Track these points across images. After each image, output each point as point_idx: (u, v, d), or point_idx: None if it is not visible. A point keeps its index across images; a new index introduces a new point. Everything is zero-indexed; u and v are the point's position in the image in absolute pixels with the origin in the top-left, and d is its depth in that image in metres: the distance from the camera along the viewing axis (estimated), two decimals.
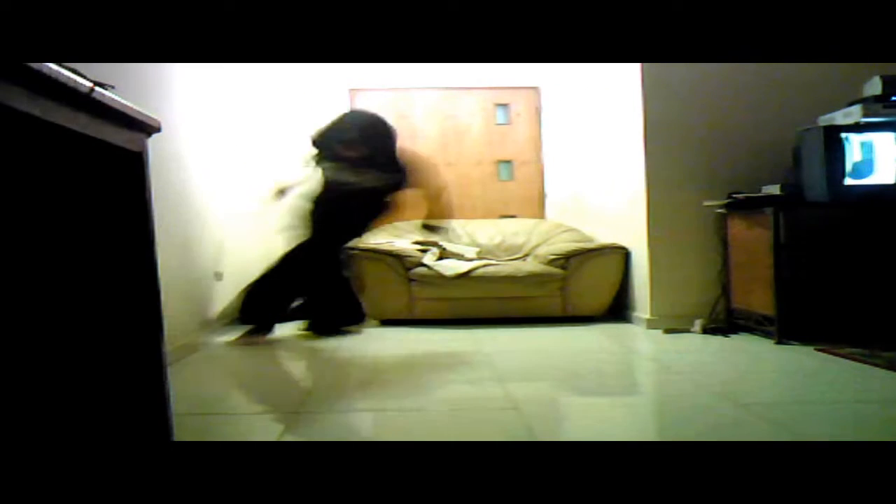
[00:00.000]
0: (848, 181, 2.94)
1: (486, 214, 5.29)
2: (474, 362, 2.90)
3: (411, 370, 2.79)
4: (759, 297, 3.23)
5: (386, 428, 2.01)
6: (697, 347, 3.12)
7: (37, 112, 1.00)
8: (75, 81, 1.08)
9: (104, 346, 1.44)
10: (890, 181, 2.94)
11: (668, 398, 2.28)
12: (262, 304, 3.63)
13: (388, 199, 3.70)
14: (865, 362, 2.62)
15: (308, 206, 3.69)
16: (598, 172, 4.41)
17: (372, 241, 4.41)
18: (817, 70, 3.52)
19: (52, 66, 1.02)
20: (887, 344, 2.88)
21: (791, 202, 3.08)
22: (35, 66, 0.97)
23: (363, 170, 3.56)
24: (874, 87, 3.02)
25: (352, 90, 5.28)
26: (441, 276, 3.98)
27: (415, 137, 5.29)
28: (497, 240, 4.76)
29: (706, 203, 3.52)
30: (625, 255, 3.97)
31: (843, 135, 2.95)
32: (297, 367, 2.97)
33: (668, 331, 3.51)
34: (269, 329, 3.63)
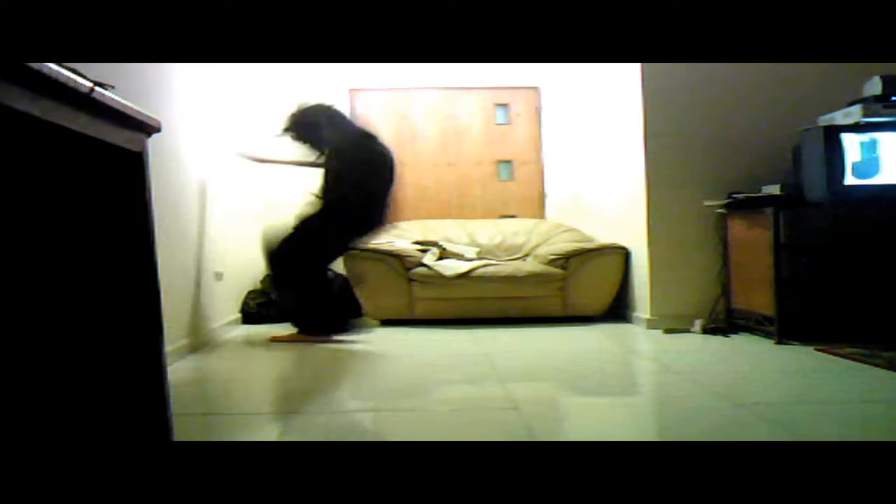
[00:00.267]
0: (848, 181, 2.94)
1: (486, 214, 5.29)
2: (474, 362, 2.90)
3: (411, 370, 2.79)
4: (759, 297, 3.23)
5: (386, 428, 2.01)
6: (697, 347, 3.11)
7: (37, 112, 1.00)
8: (75, 81, 1.08)
9: (104, 347, 1.44)
10: (889, 181, 2.95)
11: (668, 398, 2.28)
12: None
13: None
14: (865, 362, 2.62)
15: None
16: (599, 172, 4.41)
17: (372, 241, 4.41)
18: (817, 70, 3.52)
19: (52, 66, 1.02)
20: (887, 344, 2.88)
21: (791, 202, 3.08)
22: (35, 66, 0.97)
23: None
24: (874, 87, 3.02)
25: (352, 90, 5.27)
26: (441, 276, 3.98)
27: (415, 137, 5.29)
28: (497, 240, 4.76)
29: (706, 203, 3.52)
30: (625, 255, 3.97)
31: (843, 135, 2.95)
32: (290, 367, 2.96)
33: (668, 331, 3.51)
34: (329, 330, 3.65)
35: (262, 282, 4.63)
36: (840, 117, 3.10)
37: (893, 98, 2.97)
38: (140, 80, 2.79)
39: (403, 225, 4.87)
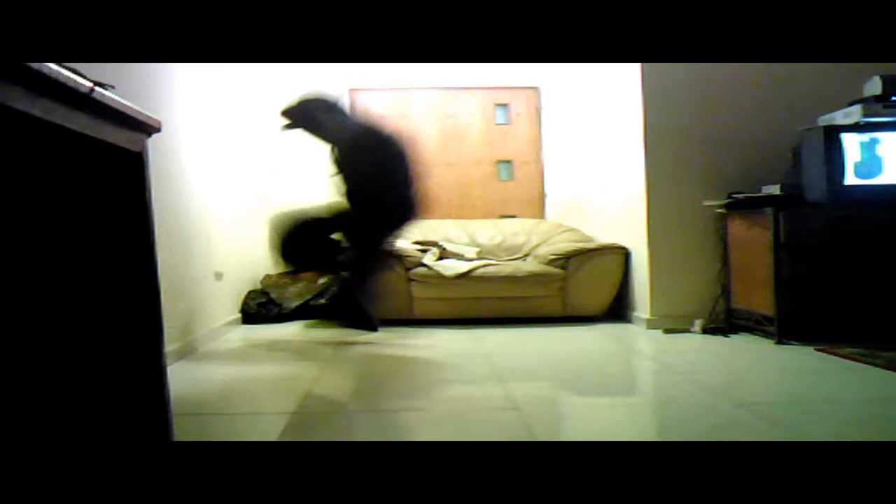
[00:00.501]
0: (848, 181, 2.94)
1: (486, 214, 5.29)
2: (474, 362, 2.90)
3: (411, 370, 2.79)
4: (759, 297, 3.23)
5: (385, 428, 2.01)
6: (697, 347, 3.11)
7: (37, 112, 1.00)
8: (75, 81, 1.08)
9: (104, 347, 1.44)
10: (890, 181, 2.94)
11: (668, 398, 2.28)
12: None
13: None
14: (865, 362, 2.62)
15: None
16: (599, 172, 4.41)
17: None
18: (817, 70, 3.52)
19: (52, 66, 1.02)
20: (887, 344, 2.88)
21: (791, 202, 3.08)
22: (35, 66, 0.97)
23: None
24: (874, 87, 3.02)
25: (352, 90, 5.27)
26: (441, 276, 3.98)
27: (415, 137, 5.28)
28: (497, 240, 4.76)
29: (706, 203, 3.52)
30: (625, 255, 3.97)
31: (843, 135, 2.95)
32: (294, 367, 2.96)
33: (668, 331, 3.51)
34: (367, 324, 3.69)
35: (261, 281, 4.63)
36: (840, 117, 3.10)
37: (893, 98, 2.97)
38: (140, 80, 2.79)
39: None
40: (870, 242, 3.14)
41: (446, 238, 4.68)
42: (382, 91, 5.30)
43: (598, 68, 4.26)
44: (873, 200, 2.98)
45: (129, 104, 1.31)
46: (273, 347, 3.42)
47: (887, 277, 3.12)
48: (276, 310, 4.32)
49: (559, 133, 5.16)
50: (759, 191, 3.26)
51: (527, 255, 4.60)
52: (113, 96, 1.23)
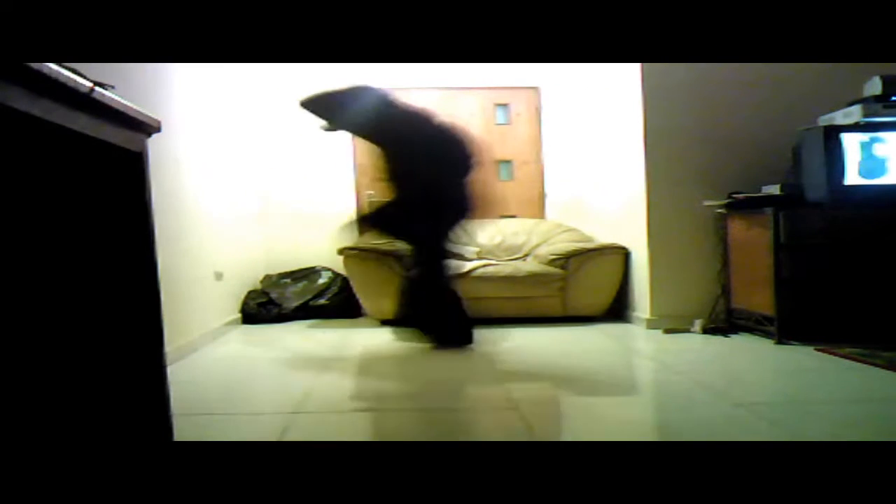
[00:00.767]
0: (848, 181, 2.94)
1: (486, 214, 5.28)
2: (474, 362, 2.90)
3: (411, 370, 2.79)
4: (758, 297, 3.23)
5: (385, 428, 2.01)
6: (697, 347, 3.11)
7: (37, 112, 1.00)
8: (75, 81, 1.08)
9: (104, 347, 1.44)
10: (890, 181, 2.94)
11: (668, 398, 2.28)
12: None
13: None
14: (865, 362, 2.62)
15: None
16: (599, 172, 4.41)
17: (372, 241, 4.41)
18: (817, 70, 3.52)
19: (52, 66, 1.02)
20: (887, 344, 2.88)
21: (791, 202, 3.08)
22: (35, 66, 0.97)
23: None
24: (874, 87, 3.02)
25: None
26: None
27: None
28: (497, 240, 4.76)
29: (706, 203, 3.51)
30: (625, 255, 3.97)
31: (843, 135, 2.95)
32: (291, 365, 2.96)
33: (668, 331, 3.51)
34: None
35: (261, 281, 4.63)
36: (840, 117, 3.10)
37: (893, 98, 2.97)
38: (140, 80, 2.79)
39: None
40: (870, 242, 3.14)
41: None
42: None
43: (598, 68, 4.26)
44: (873, 200, 2.98)
45: (128, 104, 1.31)
46: (270, 348, 3.42)
47: (887, 277, 3.12)
48: (276, 310, 4.32)
49: (559, 133, 5.16)
50: (759, 191, 3.26)
51: (527, 255, 4.60)
52: (113, 96, 1.23)
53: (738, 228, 3.42)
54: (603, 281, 4.01)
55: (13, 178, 1.31)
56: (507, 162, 5.36)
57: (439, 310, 3.31)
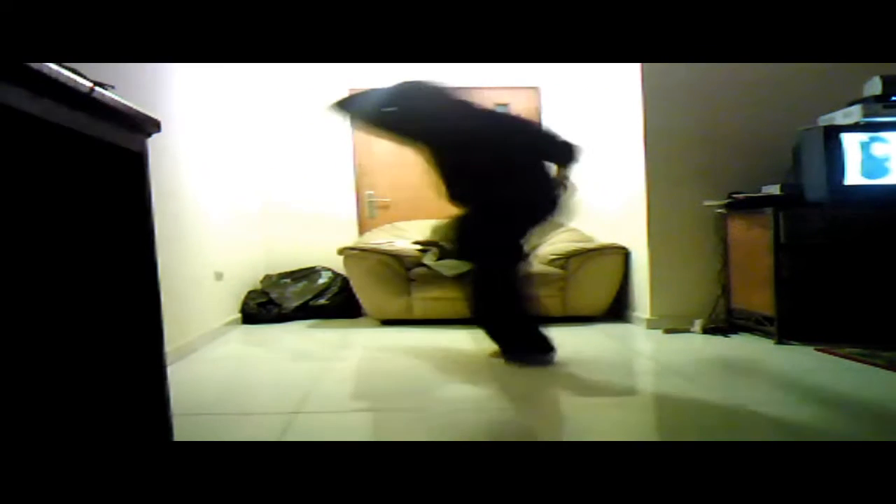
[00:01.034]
0: (848, 181, 2.94)
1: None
2: (474, 362, 2.90)
3: (411, 370, 2.78)
4: (759, 297, 3.23)
5: (385, 428, 2.01)
6: (697, 347, 3.11)
7: (37, 112, 1.00)
8: (75, 81, 1.08)
9: (104, 347, 1.44)
10: (890, 181, 2.94)
11: (668, 398, 2.28)
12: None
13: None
14: (865, 362, 2.62)
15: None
16: (599, 172, 4.40)
17: (372, 241, 4.41)
18: (817, 70, 3.52)
19: (52, 66, 1.02)
20: (887, 344, 2.88)
21: (791, 202, 3.08)
22: (35, 66, 0.97)
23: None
24: (874, 87, 3.02)
25: (351, 90, 5.26)
26: (441, 276, 3.98)
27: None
28: None
29: (706, 203, 3.51)
30: (625, 255, 3.97)
31: (843, 135, 2.95)
32: (291, 365, 2.96)
33: (668, 331, 3.51)
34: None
35: (261, 281, 4.63)
36: (840, 117, 3.10)
37: (893, 98, 2.97)
38: (140, 80, 2.79)
39: (403, 225, 4.87)
40: (870, 242, 3.14)
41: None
42: None
43: (598, 68, 4.26)
44: (873, 200, 2.98)
45: (128, 104, 1.31)
46: (270, 348, 3.42)
47: (887, 277, 3.12)
48: (276, 310, 4.32)
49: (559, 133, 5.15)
50: (759, 191, 3.26)
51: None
52: (113, 96, 1.23)
53: (738, 228, 3.42)
54: (603, 281, 4.00)
55: (13, 178, 1.31)
56: None
57: (514, 318, 2.96)
